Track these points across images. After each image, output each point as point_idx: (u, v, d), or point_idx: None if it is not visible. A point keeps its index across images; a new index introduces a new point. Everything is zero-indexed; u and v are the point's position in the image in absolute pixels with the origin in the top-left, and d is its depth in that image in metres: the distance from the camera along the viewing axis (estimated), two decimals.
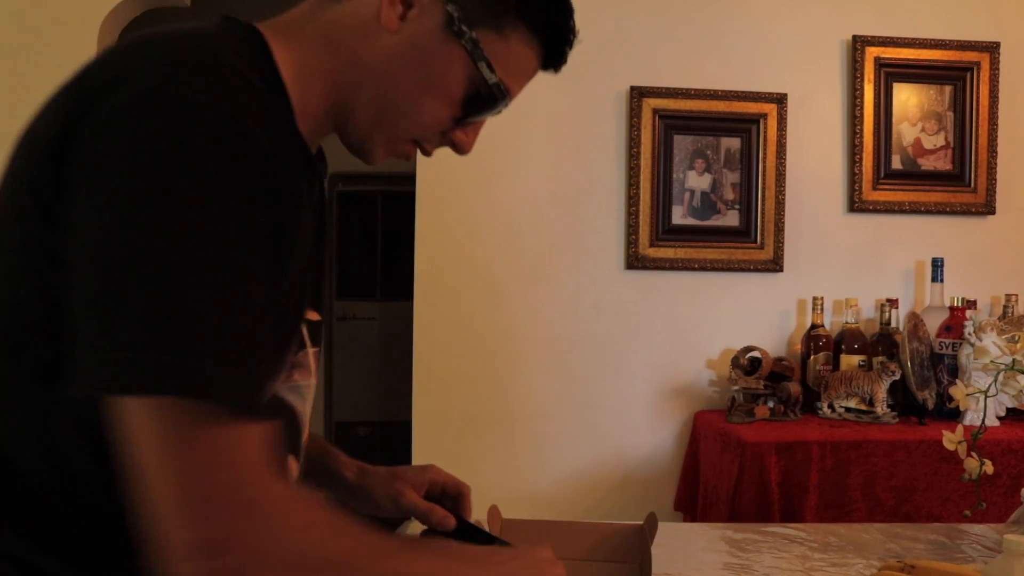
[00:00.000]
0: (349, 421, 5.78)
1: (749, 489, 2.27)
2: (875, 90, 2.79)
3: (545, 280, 2.73)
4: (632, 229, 2.72)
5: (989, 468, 1.51)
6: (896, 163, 2.81)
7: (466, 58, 0.89)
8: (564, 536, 1.33)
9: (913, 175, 2.81)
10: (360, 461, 1.22)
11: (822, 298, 2.70)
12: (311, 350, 0.95)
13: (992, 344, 2.35)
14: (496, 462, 2.67)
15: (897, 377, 2.49)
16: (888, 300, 2.71)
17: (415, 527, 1.38)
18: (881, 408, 2.48)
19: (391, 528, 1.16)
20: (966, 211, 2.83)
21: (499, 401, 2.72)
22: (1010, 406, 2.48)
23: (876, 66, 2.78)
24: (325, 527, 0.76)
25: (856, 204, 2.79)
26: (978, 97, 2.81)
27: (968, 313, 2.59)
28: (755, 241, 2.76)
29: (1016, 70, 2.84)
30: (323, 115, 0.92)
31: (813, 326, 2.70)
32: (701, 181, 2.75)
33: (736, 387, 2.59)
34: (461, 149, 0.96)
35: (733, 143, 2.76)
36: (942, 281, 2.71)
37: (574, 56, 0.99)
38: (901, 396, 2.57)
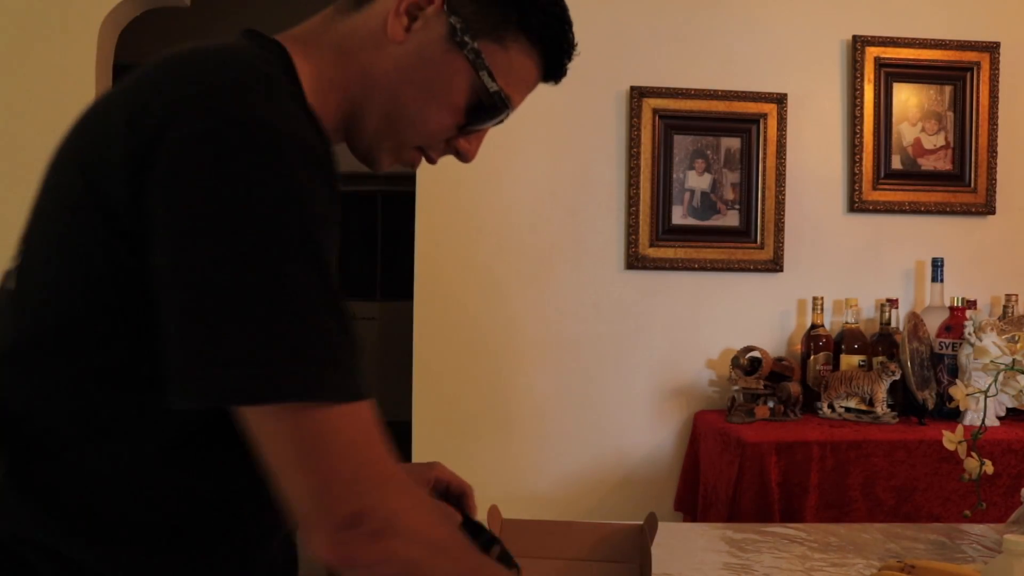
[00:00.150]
0: None
1: (749, 489, 2.27)
2: (875, 90, 2.79)
3: (545, 280, 2.73)
4: (632, 229, 2.72)
5: (989, 468, 1.51)
6: (896, 163, 2.81)
7: (469, 68, 0.93)
8: (564, 536, 1.33)
9: (913, 175, 2.81)
10: None
11: (822, 298, 2.70)
12: None
13: (992, 344, 2.35)
14: (496, 462, 2.67)
15: (897, 377, 2.49)
16: (888, 300, 2.71)
17: None
18: (881, 408, 2.48)
19: None
20: (966, 211, 2.83)
21: (499, 401, 2.72)
22: (1010, 406, 2.48)
23: (876, 66, 2.78)
24: (431, 507, 0.86)
25: (856, 204, 2.79)
26: (978, 97, 2.81)
27: (968, 313, 2.59)
28: (755, 241, 2.76)
29: (1016, 70, 2.84)
30: (337, 125, 0.96)
31: (813, 326, 2.70)
32: (701, 181, 2.75)
33: (736, 387, 2.59)
34: (464, 157, 1.00)
35: (733, 143, 2.76)
36: (942, 281, 2.71)
37: (574, 56, 1.00)
38: (901, 396, 2.57)
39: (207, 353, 0.74)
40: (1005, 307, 2.68)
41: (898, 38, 2.79)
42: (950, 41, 2.80)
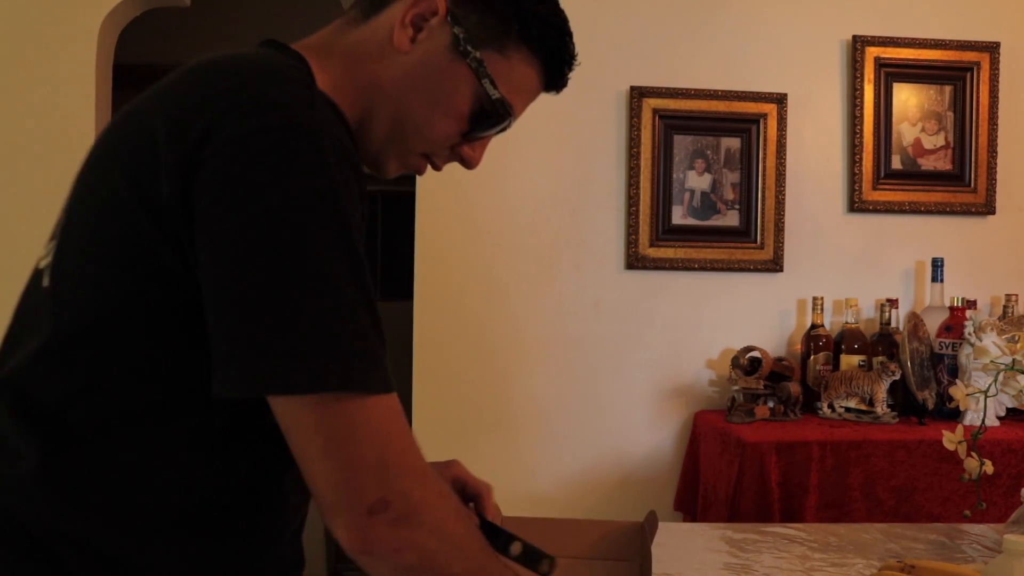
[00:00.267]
0: None
1: (749, 489, 2.27)
2: (875, 90, 2.79)
3: (545, 280, 2.73)
4: (632, 229, 2.72)
5: (989, 468, 1.51)
6: (896, 163, 2.81)
7: (472, 76, 0.97)
8: (565, 534, 1.33)
9: (913, 175, 2.81)
10: None
11: (822, 298, 2.70)
12: None
13: (992, 344, 2.35)
14: (496, 462, 2.66)
15: (897, 377, 2.49)
16: (888, 300, 2.71)
17: None
18: (881, 408, 2.48)
19: None
20: (966, 211, 2.83)
21: (499, 401, 2.72)
22: (1010, 406, 2.48)
23: (876, 66, 2.78)
24: (453, 502, 0.89)
25: (856, 204, 2.79)
26: (978, 97, 2.81)
27: (968, 313, 2.59)
28: (755, 241, 2.76)
29: (1016, 70, 2.84)
30: None
31: (813, 326, 2.70)
32: (701, 181, 2.75)
33: (736, 387, 2.59)
34: (469, 164, 1.04)
35: (733, 143, 2.76)
36: (942, 281, 2.71)
37: (574, 66, 1.02)
38: (901, 396, 2.57)
39: (246, 344, 0.78)
40: (1005, 307, 2.68)
41: (898, 38, 2.79)
42: (950, 41, 2.80)
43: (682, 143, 2.74)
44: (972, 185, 2.83)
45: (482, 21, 0.97)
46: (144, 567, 0.86)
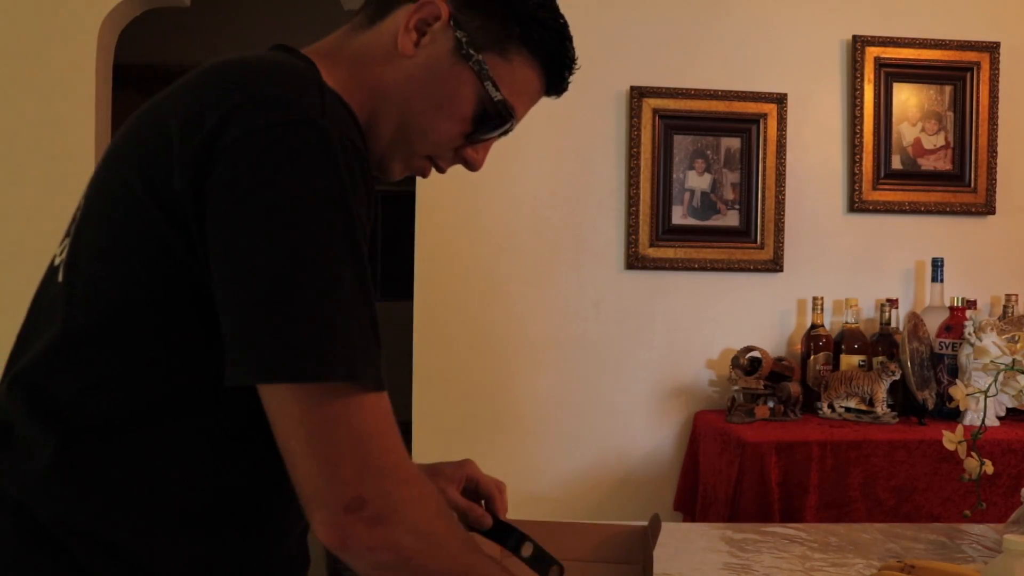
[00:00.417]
0: None
1: (749, 489, 2.27)
2: (875, 90, 2.79)
3: (545, 280, 2.73)
4: (632, 229, 2.72)
5: (989, 468, 1.51)
6: (896, 163, 2.81)
7: (474, 79, 0.99)
8: (566, 537, 1.33)
9: (913, 175, 2.81)
10: None
11: (822, 298, 2.70)
12: None
13: (992, 344, 2.35)
14: (496, 462, 2.64)
15: (897, 377, 2.49)
16: (888, 300, 2.71)
17: None
18: (881, 408, 2.48)
19: None
20: (966, 211, 2.83)
21: (499, 401, 2.72)
22: (1010, 406, 2.48)
23: (876, 66, 2.78)
24: (435, 502, 0.89)
25: (856, 204, 2.79)
26: (978, 97, 2.81)
27: (968, 313, 2.59)
28: (755, 241, 2.76)
29: (1016, 70, 2.84)
30: None
31: (813, 326, 2.70)
32: (701, 181, 2.75)
33: (736, 387, 2.59)
34: (472, 166, 1.06)
35: (733, 143, 2.76)
36: (942, 281, 2.71)
37: (575, 69, 1.03)
38: (901, 396, 2.57)
39: (248, 335, 0.80)
40: (1005, 307, 2.68)
41: (898, 38, 2.79)
42: (950, 41, 2.80)
43: (682, 143, 2.74)
44: (972, 185, 2.83)
45: (484, 25, 0.99)
46: (153, 561, 0.87)
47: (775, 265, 2.76)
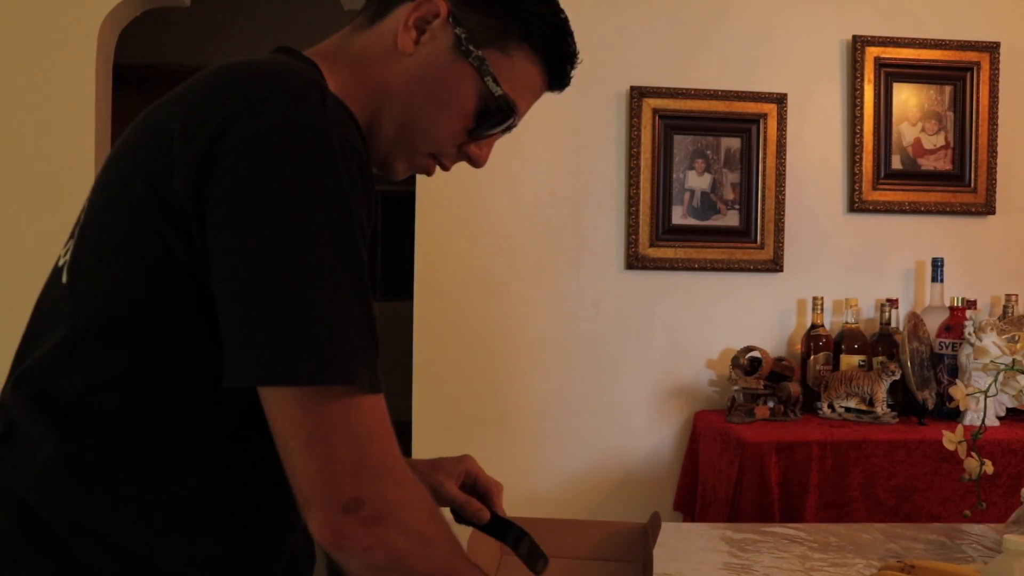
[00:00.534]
0: None
1: (749, 489, 2.27)
2: (875, 90, 2.79)
3: (545, 280, 2.73)
4: (632, 229, 2.72)
5: (989, 468, 1.51)
6: (896, 163, 2.81)
7: (474, 75, 0.99)
8: (567, 535, 1.33)
9: (913, 175, 2.81)
10: None
11: (822, 298, 2.70)
12: None
13: (992, 344, 2.35)
14: (496, 462, 2.64)
15: (897, 377, 2.49)
16: (888, 300, 2.71)
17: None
18: (881, 408, 2.48)
19: None
20: (966, 211, 2.83)
21: (499, 401, 2.72)
22: (1010, 406, 2.48)
23: (876, 66, 2.78)
24: (429, 504, 0.90)
25: (856, 204, 2.79)
26: (978, 97, 2.81)
27: (968, 313, 2.59)
28: (755, 241, 2.76)
29: (1016, 70, 2.84)
30: None
31: (813, 326, 2.70)
32: (701, 181, 2.75)
33: (736, 387, 2.59)
34: (476, 162, 1.06)
35: (733, 143, 2.76)
36: (942, 281, 2.71)
37: (577, 64, 1.03)
38: (901, 396, 2.57)
39: (243, 337, 0.80)
40: (1005, 307, 2.68)
41: (898, 38, 2.79)
42: (950, 41, 2.80)
43: (682, 143, 2.74)
44: (972, 185, 2.83)
45: (483, 21, 0.99)
46: (156, 559, 0.87)
47: (775, 265, 2.76)
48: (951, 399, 1.71)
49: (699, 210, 2.75)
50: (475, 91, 1.00)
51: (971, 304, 2.70)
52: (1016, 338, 2.42)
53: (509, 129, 1.05)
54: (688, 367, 2.77)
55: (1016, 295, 2.70)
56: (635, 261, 2.72)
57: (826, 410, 2.54)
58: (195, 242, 0.83)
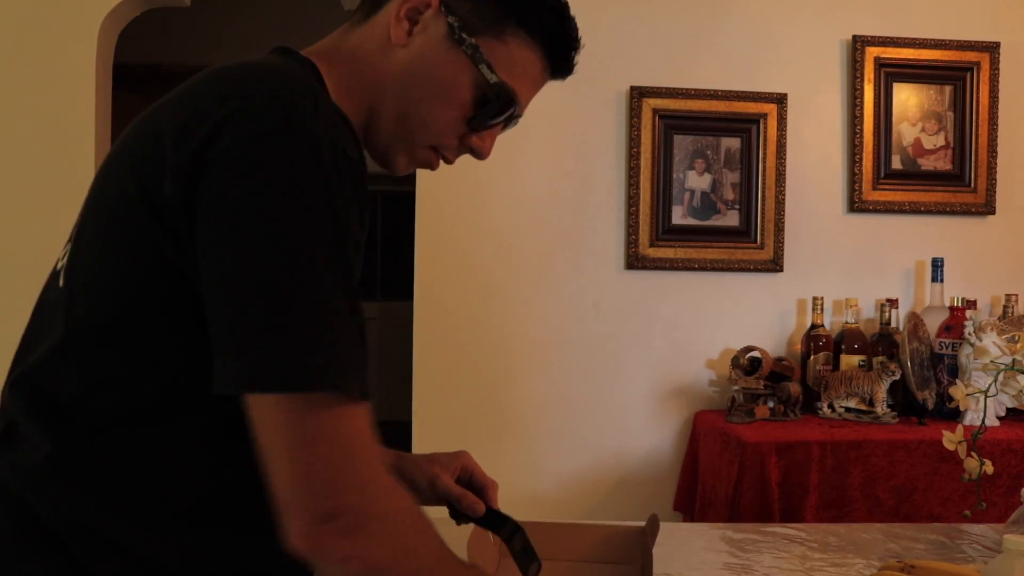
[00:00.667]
0: None
1: (749, 489, 2.27)
2: (875, 90, 2.79)
3: (545, 280, 2.73)
4: (632, 229, 2.72)
5: (989, 468, 1.51)
6: (896, 163, 2.81)
7: (469, 63, 0.97)
8: (566, 537, 1.33)
9: (913, 175, 2.81)
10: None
11: (822, 298, 2.70)
12: None
13: (992, 344, 2.35)
14: (496, 462, 2.64)
15: (897, 377, 2.49)
16: (888, 300, 2.71)
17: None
18: (881, 408, 2.48)
19: None
20: (966, 211, 2.83)
21: (499, 401, 2.72)
22: (1010, 406, 2.48)
23: (876, 66, 2.78)
24: (412, 515, 0.87)
25: (856, 204, 2.79)
26: (978, 97, 2.81)
27: (968, 313, 2.59)
28: (755, 241, 2.76)
29: (1016, 70, 2.84)
30: (357, 131, 0.98)
31: (813, 326, 2.70)
32: (701, 181, 2.75)
33: (736, 387, 2.59)
34: (479, 154, 1.04)
35: (733, 143, 2.76)
36: (942, 281, 2.71)
37: (579, 48, 1.02)
38: (901, 396, 2.57)
39: (228, 343, 0.80)
40: (1005, 307, 2.68)
41: (898, 38, 2.79)
42: (950, 41, 2.80)
43: (682, 143, 2.74)
44: (972, 185, 2.83)
45: (476, 9, 0.98)
46: (153, 558, 0.87)
47: (775, 265, 2.76)
48: (951, 399, 1.71)
49: (699, 210, 2.75)
50: (470, 80, 0.98)
51: (971, 304, 2.70)
52: (1016, 338, 2.42)
53: (512, 120, 1.03)
54: (688, 367, 2.77)
55: (1016, 295, 2.70)
56: (635, 261, 2.72)
57: (826, 410, 2.54)
58: (186, 246, 0.83)
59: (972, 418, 2.38)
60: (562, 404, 2.73)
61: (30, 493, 0.87)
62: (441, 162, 1.04)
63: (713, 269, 2.75)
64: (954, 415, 2.47)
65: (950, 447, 1.54)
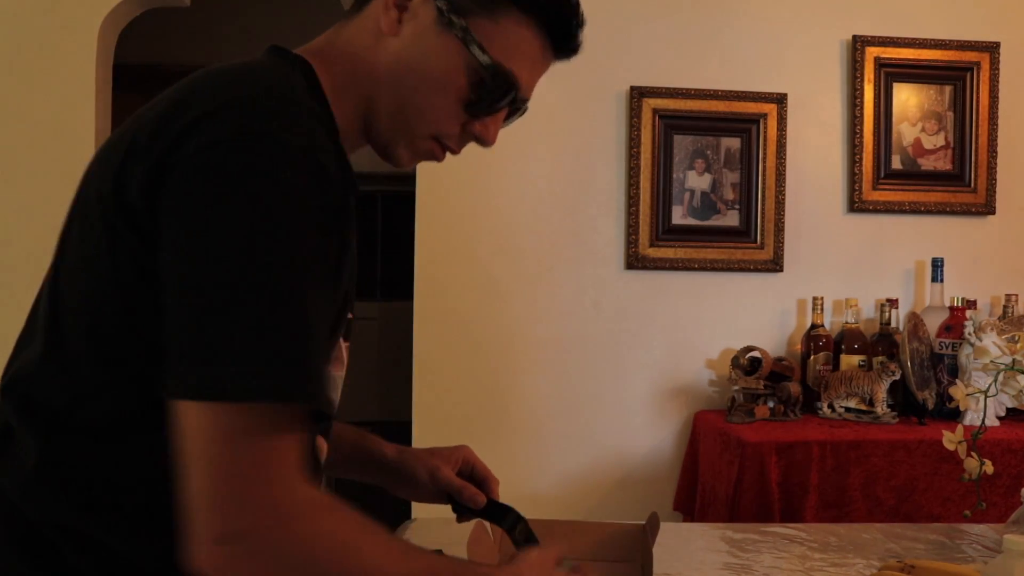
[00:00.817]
0: (349, 421, 5.78)
1: (749, 489, 2.27)
2: (875, 90, 2.79)
3: (545, 280, 2.73)
4: (632, 229, 2.72)
5: (989, 468, 1.51)
6: (896, 163, 2.81)
7: (461, 46, 0.94)
8: (566, 535, 1.33)
9: (913, 175, 2.81)
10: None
11: (822, 298, 2.70)
12: (343, 344, 1.01)
13: (992, 344, 2.35)
14: (496, 462, 2.64)
15: (897, 377, 2.49)
16: (888, 300, 2.71)
17: (416, 527, 1.38)
18: (881, 408, 2.48)
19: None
20: (966, 211, 2.83)
21: (499, 401, 2.72)
22: (1010, 406, 2.48)
23: (876, 66, 2.78)
24: (335, 538, 0.81)
25: (856, 204, 2.79)
26: (978, 97, 2.81)
27: (968, 313, 2.59)
28: (755, 241, 2.76)
29: (1016, 70, 2.84)
30: (356, 130, 0.99)
31: (813, 326, 2.70)
32: (701, 181, 2.75)
33: (736, 387, 2.59)
34: (483, 141, 1.00)
35: (733, 143, 2.76)
36: (942, 281, 2.71)
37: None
38: (901, 396, 2.57)
39: (171, 350, 0.78)
40: (1005, 307, 2.68)
41: (898, 38, 2.79)
42: (950, 41, 2.80)
43: (682, 143, 2.74)
44: (972, 185, 2.83)
45: None
46: (142, 562, 0.87)
47: (775, 265, 2.76)
48: (951, 399, 1.71)
49: (699, 210, 2.75)
50: (464, 64, 0.94)
51: (971, 304, 2.70)
52: (1016, 338, 2.42)
53: (516, 105, 0.99)
54: (688, 367, 2.77)
55: (1016, 295, 2.70)
56: (635, 261, 2.72)
57: (826, 410, 2.54)
58: (156, 251, 0.81)
59: (972, 418, 2.38)
60: (562, 404, 2.73)
61: (20, 497, 0.87)
62: (448, 153, 1.01)
63: (713, 269, 2.75)
64: (954, 415, 2.47)
65: (950, 447, 1.54)
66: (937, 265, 2.71)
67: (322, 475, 1.03)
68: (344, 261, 0.88)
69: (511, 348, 2.72)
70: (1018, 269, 2.84)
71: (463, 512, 1.22)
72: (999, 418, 2.50)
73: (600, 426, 2.74)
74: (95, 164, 0.91)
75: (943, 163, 2.82)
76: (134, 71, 3.53)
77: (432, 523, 1.47)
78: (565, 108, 2.71)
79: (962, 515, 1.60)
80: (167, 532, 0.86)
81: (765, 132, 2.76)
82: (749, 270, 2.76)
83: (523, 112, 1.02)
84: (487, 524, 1.24)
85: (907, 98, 2.81)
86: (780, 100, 2.75)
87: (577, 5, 0.99)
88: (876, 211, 2.81)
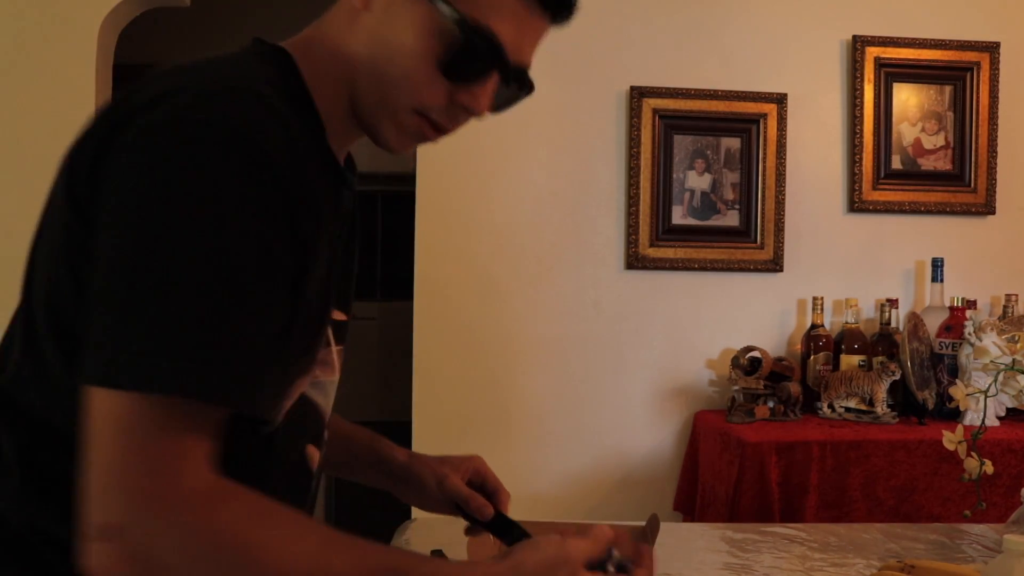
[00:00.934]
0: (349, 421, 5.77)
1: (749, 489, 2.27)
2: (875, 90, 2.79)
3: (545, 280, 2.73)
4: (632, 229, 2.72)
5: (989, 468, 1.51)
6: (896, 163, 2.81)
7: (431, 8, 0.88)
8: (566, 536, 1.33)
9: (913, 175, 2.81)
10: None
11: (822, 298, 2.70)
12: (335, 348, 0.99)
13: (992, 344, 2.35)
14: (496, 462, 2.64)
15: (897, 377, 2.49)
16: (888, 300, 2.71)
17: (416, 527, 1.38)
18: (881, 408, 2.48)
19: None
20: (966, 211, 2.83)
21: (499, 401, 2.72)
22: (1010, 406, 2.48)
23: (876, 66, 2.78)
24: (254, 527, 0.77)
25: (856, 204, 2.79)
26: (978, 97, 2.81)
27: (968, 313, 2.59)
28: (755, 241, 2.76)
29: (1016, 70, 2.84)
30: (346, 118, 0.95)
31: (813, 326, 2.70)
32: (701, 181, 2.75)
33: (736, 387, 2.59)
34: (473, 111, 0.93)
35: (733, 143, 2.76)
36: (942, 281, 2.71)
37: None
38: (901, 396, 2.57)
39: (88, 335, 0.76)
40: (1005, 307, 2.68)
41: (898, 38, 2.79)
42: (950, 41, 2.80)
43: (682, 143, 2.74)
44: (972, 185, 2.83)
45: None
46: None
47: (775, 265, 2.76)
48: (951, 399, 1.71)
49: (699, 210, 2.75)
50: (436, 28, 0.88)
51: (971, 304, 2.70)
52: (1016, 338, 2.42)
53: (506, 71, 0.92)
54: (688, 367, 2.77)
55: (1016, 295, 2.70)
56: (635, 261, 2.72)
57: (826, 410, 2.54)
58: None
59: (972, 418, 2.37)
60: (562, 404, 2.73)
61: (7, 505, 0.86)
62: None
63: (713, 269, 2.75)
64: (954, 415, 2.47)
65: (950, 447, 1.54)
66: (937, 265, 2.71)
67: (311, 483, 1.01)
68: (309, 259, 0.84)
69: (511, 348, 2.72)
70: (1018, 269, 2.84)
71: (473, 523, 1.21)
72: (999, 418, 2.50)
73: (600, 426, 2.74)
74: (62, 163, 0.89)
75: (943, 163, 2.82)
76: (134, 71, 3.53)
77: (432, 523, 1.47)
78: (565, 108, 2.70)
79: (962, 515, 1.61)
80: None
81: (765, 132, 2.76)
82: (749, 270, 2.76)
83: (527, 89, 0.96)
84: None
85: (907, 98, 2.81)
86: (780, 100, 2.75)
87: None
88: (876, 211, 2.81)
